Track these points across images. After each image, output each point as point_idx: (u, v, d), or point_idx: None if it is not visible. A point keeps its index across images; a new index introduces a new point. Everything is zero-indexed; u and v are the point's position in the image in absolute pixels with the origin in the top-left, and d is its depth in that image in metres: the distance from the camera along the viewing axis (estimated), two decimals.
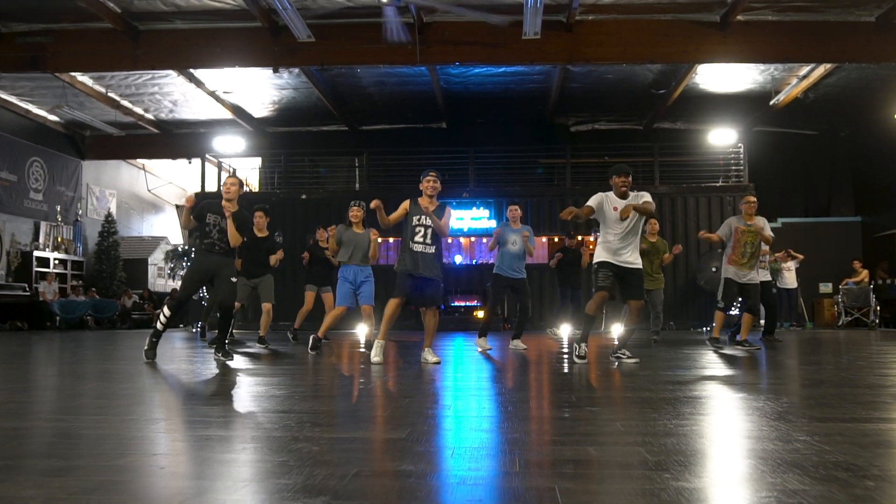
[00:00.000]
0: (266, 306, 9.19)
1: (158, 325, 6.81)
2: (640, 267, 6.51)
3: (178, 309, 6.99)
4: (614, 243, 6.39)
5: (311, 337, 8.03)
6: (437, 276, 6.62)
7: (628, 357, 6.57)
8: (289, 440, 2.86)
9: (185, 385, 5.07)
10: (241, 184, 7.07)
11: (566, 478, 2.28)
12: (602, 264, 6.43)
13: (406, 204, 6.60)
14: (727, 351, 7.99)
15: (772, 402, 3.89)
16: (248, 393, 4.51)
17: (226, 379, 5.36)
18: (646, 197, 6.35)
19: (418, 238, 6.52)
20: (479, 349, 8.36)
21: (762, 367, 6.32)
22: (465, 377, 5.66)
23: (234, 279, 6.90)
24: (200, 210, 6.80)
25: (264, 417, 3.47)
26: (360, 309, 8.26)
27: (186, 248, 15.57)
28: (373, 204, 6.48)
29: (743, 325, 8.33)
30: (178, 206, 22.58)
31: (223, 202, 6.85)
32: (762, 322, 10.60)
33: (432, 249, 6.56)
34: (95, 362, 7.21)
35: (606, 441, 2.93)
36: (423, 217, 6.53)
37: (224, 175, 17.71)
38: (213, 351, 7.03)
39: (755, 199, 8.32)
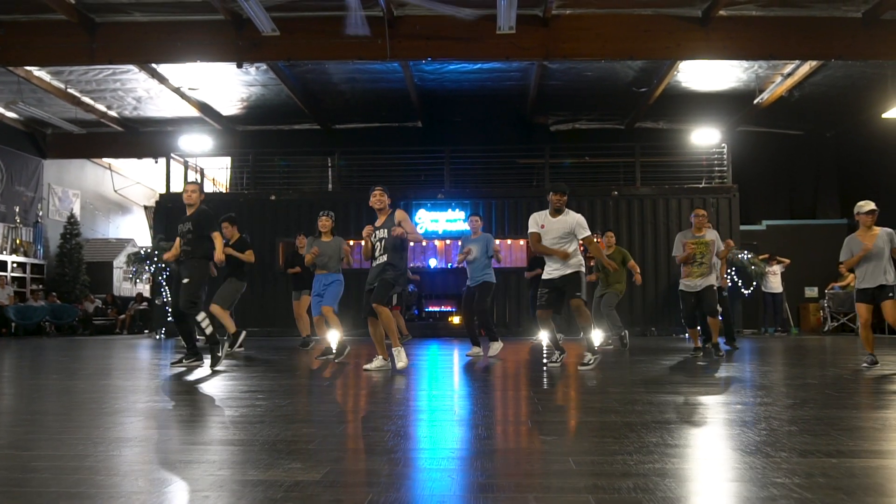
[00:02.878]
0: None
1: (207, 334, 6.79)
2: (574, 271, 6.79)
3: (181, 320, 6.96)
4: (547, 257, 6.90)
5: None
6: (382, 279, 6.53)
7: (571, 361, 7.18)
8: (193, 481, 2.47)
9: (111, 406, 4.49)
10: (201, 189, 7.21)
11: None
12: (542, 283, 6.97)
13: (368, 230, 6.82)
14: (700, 362, 7.69)
15: (749, 430, 3.40)
16: (178, 417, 3.98)
17: (166, 397, 4.82)
18: (584, 231, 6.81)
19: (377, 254, 6.68)
20: (473, 358, 8.39)
21: (741, 382, 5.82)
22: (418, 394, 5.13)
23: (186, 280, 6.83)
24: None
25: (180, 455, 2.98)
26: (322, 311, 8.21)
27: (149, 251, 14.90)
28: (365, 231, 6.83)
29: (712, 331, 8.38)
30: (146, 207, 21.89)
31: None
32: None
33: (384, 258, 6.61)
34: (23, 376, 6.62)
35: (552, 485, 2.41)
36: (380, 231, 6.69)
37: (191, 176, 17.10)
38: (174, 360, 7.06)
39: (704, 213, 8.56)
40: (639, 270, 10.74)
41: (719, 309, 8.67)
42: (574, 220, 6.82)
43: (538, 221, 6.89)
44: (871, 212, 6.84)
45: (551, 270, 6.87)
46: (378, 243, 6.63)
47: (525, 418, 3.87)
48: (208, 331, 6.70)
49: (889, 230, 6.83)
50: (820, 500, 2.12)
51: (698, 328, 8.57)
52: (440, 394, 5.14)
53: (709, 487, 2.34)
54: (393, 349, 6.65)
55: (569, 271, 6.79)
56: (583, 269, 6.87)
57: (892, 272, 6.70)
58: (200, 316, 6.76)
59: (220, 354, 6.69)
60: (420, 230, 15.40)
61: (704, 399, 4.56)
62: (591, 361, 6.71)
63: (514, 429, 3.58)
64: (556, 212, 6.85)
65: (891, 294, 6.65)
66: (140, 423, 3.78)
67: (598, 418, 3.80)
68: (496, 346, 8.52)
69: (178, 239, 7.09)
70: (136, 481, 2.51)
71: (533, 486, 2.40)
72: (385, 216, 6.72)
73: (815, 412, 3.93)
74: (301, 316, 10.29)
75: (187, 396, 4.91)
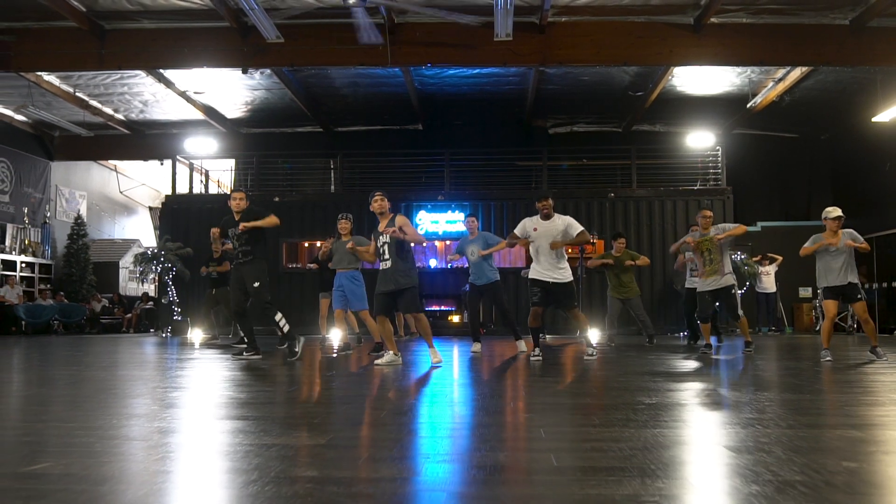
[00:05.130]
0: None
1: (285, 332, 7.32)
2: (565, 281, 7.20)
3: (242, 317, 7.49)
4: (536, 260, 7.25)
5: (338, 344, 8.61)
6: (399, 286, 6.78)
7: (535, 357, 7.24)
8: (216, 444, 2.84)
9: (134, 391, 4.83)
10: (246, 196, 7.49)
11: (465, 483, 2.19)
12: (532, 281, 7.30)
13: (373, 237, 7.09)
14: (687, 357, 7.99)
15: (707, 409, 3.76)
16: (196, 400, 4.31)
17: (183, 385, 5.15)
18: (577, 227, 7.15)
19: (383, 258, 6.92)
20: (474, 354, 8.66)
21: (718, 374, 6.11)
22: (418, 383, 5.47)
23: (256, 283, 7.29)
24: (222, 228, 7.42)
25: (201, 427, 3.32)
26: (360, 315, 8.67)
27: (156, 251, 15.26)
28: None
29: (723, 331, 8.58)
30: (151, 209, 22.24)
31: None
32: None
33: (388, 264, 6.84)
34: (44, 368, 6.95)
35: (520, 447, 2.83)
36: (382, 237, 6.92)
37: (194, 176, 17.47)
38: (235, 353, 7.45)
39: (711, 214, 8.63)
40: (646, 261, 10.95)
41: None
42: (564, 222, 7.18)
43: (528, 225, 7.26)
44: (837, 218, 7.45)
45: (542, 273, 7.19)
46: (383, 248, 6.85)
47: (509, 401, 4.21)
48: (286, 329, 7.28)
49: (850, 230, 7.45)
50: (741, 457, 2.49)
51: (709, 324, 8.57)
52: (439, 382, 5.47)
53: (655, 447, 2.69)
54: (389, 351, 6.89)
55: (563, 280, 7.19)
56: (571, 279, 7.28)
57: (855, 271, 7.41)
58: (278, 316, 7.28)
59: (297, 349, 7.29)
60: (420, 231, 15.72)
61: (676, 385, 4.88)
62: (593, 354, 7.49)
63: (499, 408, 3.92)
64: (546, 217, 7.22)
65: (860, 296, 7.42)
66: (163, 404, 4.11)
67: (574, 401, 4.16)
68: (522, 345, 8.71)
69: (216, 238, 7.57)
70: (168, 444, 2.85)
71: (505, 448, 2.79)
72: (386, 220, 6.93)
73: (772, 395, 4.27)
74: (326, 315, 10.47)
75: (202, 385, 5.23)
